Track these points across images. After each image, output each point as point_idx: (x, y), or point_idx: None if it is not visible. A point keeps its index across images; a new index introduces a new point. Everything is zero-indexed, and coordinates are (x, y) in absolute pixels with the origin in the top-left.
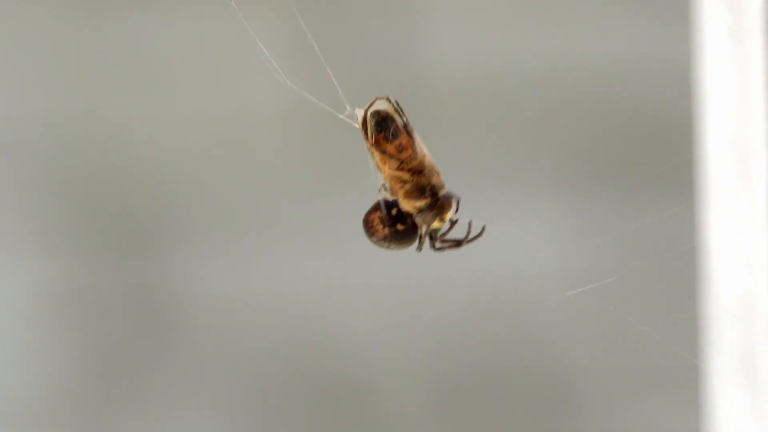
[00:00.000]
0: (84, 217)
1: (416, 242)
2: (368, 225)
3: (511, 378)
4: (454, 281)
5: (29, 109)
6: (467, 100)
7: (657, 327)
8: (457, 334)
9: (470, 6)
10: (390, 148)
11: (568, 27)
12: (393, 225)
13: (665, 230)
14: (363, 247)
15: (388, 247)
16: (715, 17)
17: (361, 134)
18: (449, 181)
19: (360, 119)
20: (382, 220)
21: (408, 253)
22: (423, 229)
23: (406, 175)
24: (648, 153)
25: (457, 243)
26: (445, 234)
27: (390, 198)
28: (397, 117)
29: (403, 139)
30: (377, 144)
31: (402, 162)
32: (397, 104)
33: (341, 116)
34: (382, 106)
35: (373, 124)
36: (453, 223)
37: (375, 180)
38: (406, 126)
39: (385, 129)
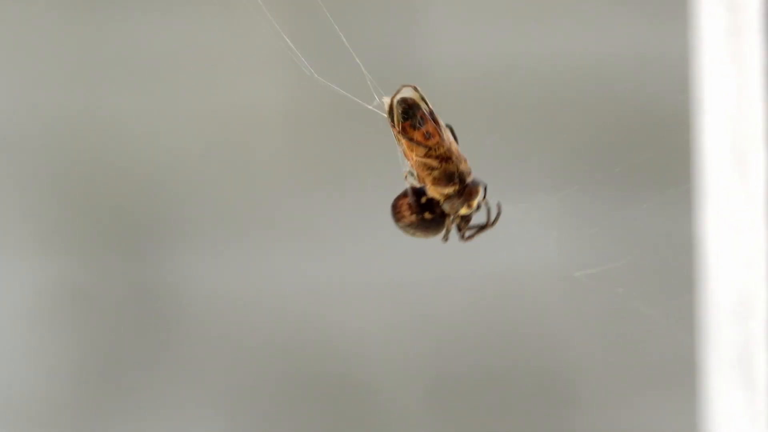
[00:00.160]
0: (84, 217)
1: (442, 232)
2: (396, 210)
3: (511, 377)
4: (454, 280)
5: (28, 107)
6: (467, 98)
7: (658, 324)
8: (456, 333)
9: (468, 5)
10: (417, 135)
11: (567, 26)
12: (421, 212)
13: (664, 227)
14: (363, 246)
15: (413, 234)
16: (713, 16)
17: (388, 122)
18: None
19: (387, 107)
20: (410, 206)
21: (404, 252)
22: (450, 218)
23: (434, 162)
24: (646, 151)
25: (482, 227)
26: (468, 221)
27: (417, 185)
28: (423, 105)
29: (429, 126)
30: (404, 131)
31: (430, 149)
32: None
33: (370, 107)
34: (408, 93)
35: (399, 112)
36: (478, 208)
37: (393, 174)
38: (432, 113)
39: (412, 117)
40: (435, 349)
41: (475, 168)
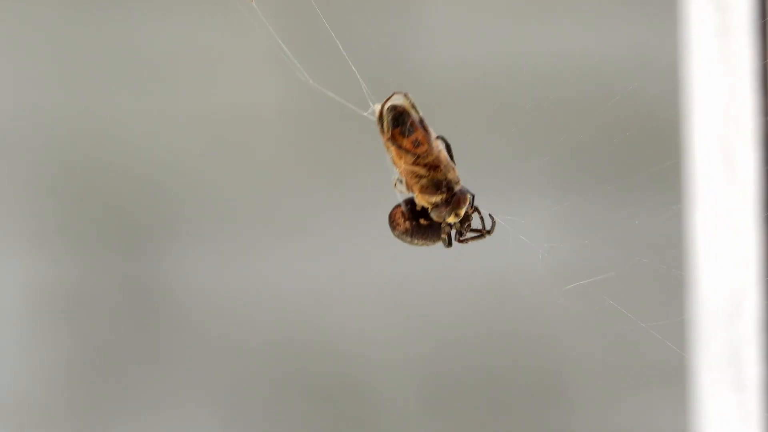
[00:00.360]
0: (81, 216)
1: (442, 238)
2: (391, 219)
3: (507, 376)
4: (451, 280)
5: (24, 107)
6: (462, 99)
7: (652, 323)
8: (453, 333)
9: (465, 5)
10: (406, 142)
11: (559, 27)
12: (416, 219)
13: (659, 229)
14: (360, 246)
15: (411, 242)
16: (703, 16)
17: (378, 128)
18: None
19: (377, 114)
20: (404, 214)
21: (403, 252)
22: (444, 225)
23: (422, 170)
24: (638, 152)
25: (481, 234)
26: (469, 225)
27: (405, 192)
28: (413, 112)
29: (419, 134)
30: (393, 138)
31: (418, 157)
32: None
33: (365, 114)
34: (399, 101)
35: (389, 118)
36: (469, 217)
37: (386, 178)
38: (422, 121)
39: (401, 124)
40: (433, 349)
41: (473, 168)
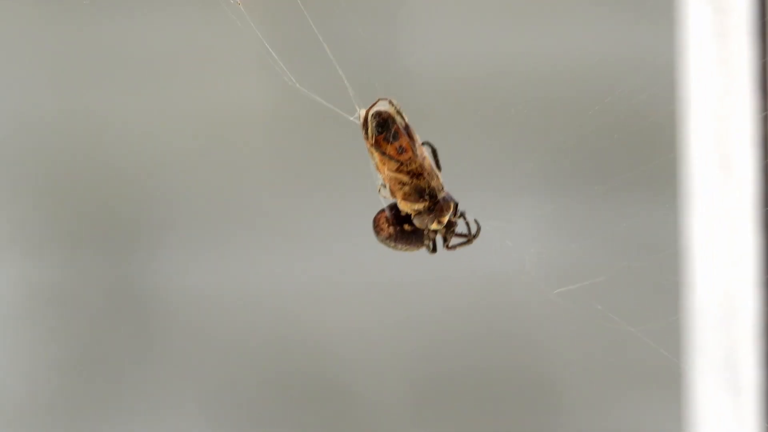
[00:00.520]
0: (67, 217)
1: (426, 244)
2: (375, 224)
3: (496, 378)
4: (440, 281)
5: (9, 108)
6: (450, 102)
7: (642, 327)
8: (442, 334)
9: (453, 8)
10: (390, 149)
11: (554, 28)
12: (399, 224)
13: (653, 230)
14: (348, 246)
15: (395, 248)
16: (700, 18)
17: (362, 134)
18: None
19: (361, 119)
20: (387, 219)
21: (393, 254)
22: (428, 232)
23: (405, 177)
24: (634, 153)
25: (467, 239)
26: (453, 232)
27: (389, 198)
28: (398, 119)
29: (403, 141)
30: (377, 145)
31: (402, 164)
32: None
33: (351, 118)
34: (384, 107)
35: (374, 124)
36: (450, 226)
37: (373, 180)
38: (407, 128)
39: (386, 130)
40: (425, 351)
41: (462, 170)
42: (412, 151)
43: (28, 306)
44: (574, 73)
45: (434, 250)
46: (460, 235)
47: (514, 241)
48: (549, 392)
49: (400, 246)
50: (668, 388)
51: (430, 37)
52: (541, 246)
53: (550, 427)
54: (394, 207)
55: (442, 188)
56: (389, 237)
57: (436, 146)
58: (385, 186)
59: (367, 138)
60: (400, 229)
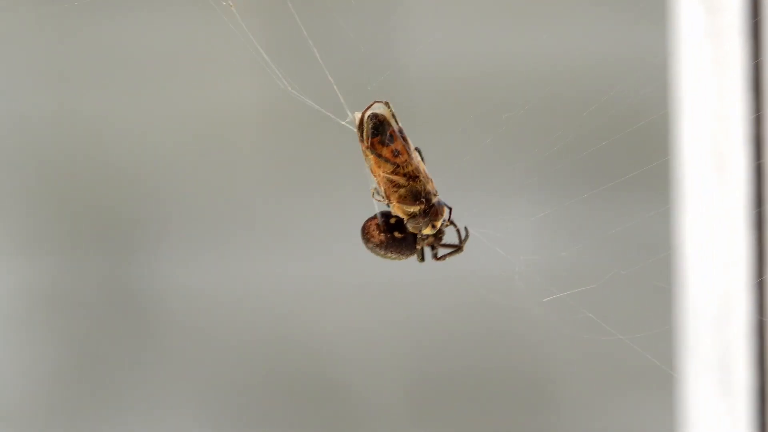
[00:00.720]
0: (63, 217)
1: (416, 253)
2: (365, 231)
3: (492, 378)
4: (434, 282)
5: (10, 107)
6: (448, 101)
7: (632, 336)
8: (436, 335)
9: (451, 7)
10: (385, 151)
11: (548, 29)
12: (390, 232)
13: (647, 230)
14: (342, 247)
15: (384, 255)
16: (693, 18)
17: (357, 136)
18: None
19: (357, 122)
20: (378, 226)
21: None
22: (421, 237)
23: (401, 180)
24: (628, 154)
25: (457, 248)
26: (440, 240)
27: (383, 201)
28: (393, 122)
29: (398, 144)
30: (372, 147)
31: (398, 166)
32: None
33: (343, 122)
34: (379, 109)
35: (370, 127)
36: (442, 232)
37: (367, 183)
38: (401, 131)
39: (381, 133)
40: (414, 350)
41: (456, 173)
42: (408, 153)
43: (27, 306)
44: (568, 75)
45: (422, 258)
46: (449, 245)
47: (508, 244)
48: (544, 393)
49: (390, 254)
50: (662, 389)
51: (425, 38)
52: (536, 247)
53: (546, 428)
54: (385, 214)
55: (436, 193)
56: (380, 244)
57: (430, 147)
58: (378, 191)
59: (362, 140)
60: (391, 236)
